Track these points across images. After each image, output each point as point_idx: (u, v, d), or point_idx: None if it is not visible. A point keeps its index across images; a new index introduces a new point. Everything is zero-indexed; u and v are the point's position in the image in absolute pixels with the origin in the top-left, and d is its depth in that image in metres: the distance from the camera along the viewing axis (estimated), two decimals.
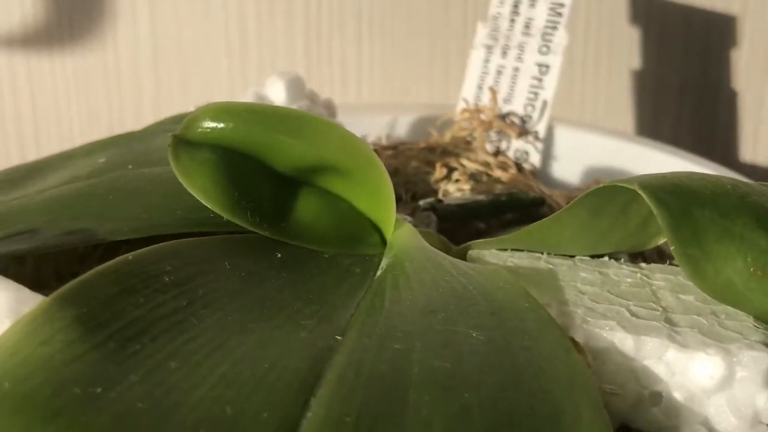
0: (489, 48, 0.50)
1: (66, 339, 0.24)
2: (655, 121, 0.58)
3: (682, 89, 0.54)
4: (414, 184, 0.46)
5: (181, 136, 0.32)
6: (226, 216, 0.31)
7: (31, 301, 0.26)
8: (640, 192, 0.29)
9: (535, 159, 0.50)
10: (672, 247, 0.28)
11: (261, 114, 0.32)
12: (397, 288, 0.30)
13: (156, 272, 0.28)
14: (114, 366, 0.24)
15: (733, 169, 0.47)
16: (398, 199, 0.34)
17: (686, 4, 0.52)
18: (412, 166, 0.47)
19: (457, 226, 0.42)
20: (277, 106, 0.35)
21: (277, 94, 0.42)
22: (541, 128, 0.50)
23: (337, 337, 0.27)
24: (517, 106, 0.50)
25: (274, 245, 0.32)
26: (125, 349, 0.25)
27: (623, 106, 0.56)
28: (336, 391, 0.24)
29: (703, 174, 0.31)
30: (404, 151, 0.48)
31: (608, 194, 0.31)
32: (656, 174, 0.30)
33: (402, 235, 0.34)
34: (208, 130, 0.32)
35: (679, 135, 0.58)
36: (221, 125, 0.32)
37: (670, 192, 0.29)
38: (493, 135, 0.50)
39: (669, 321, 0.29)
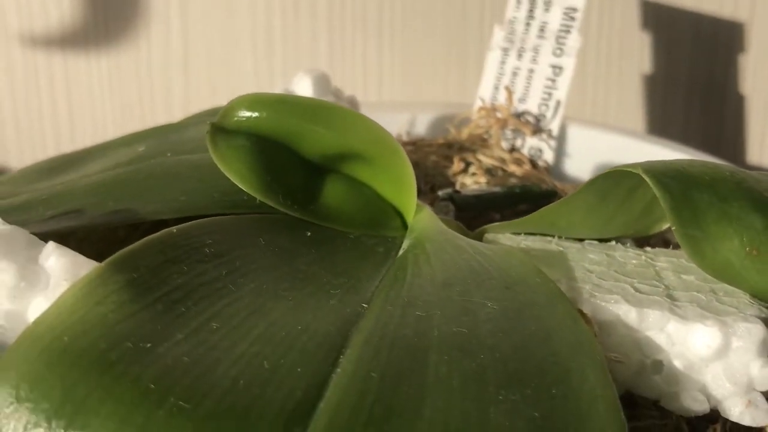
0: (505, 50, 0.53)
1: (119, 300, 0.26)
2: (665, 121, 0.60)
3: (690, 91, 0.56)
4: (433, 177, 0.48)
5: (218, 124, 0.34)
6: (259, 198, 0.34)
7: (86, 266, 0.28)
8: (644, 176, 0.31)
9: (548, 156, 0.52)
10: (673, 228, 0.30)
11: (292, 104, 0.35)
12: (418, 264, 0.32)
13: (198, 244, 0.30)
14: (162, 325, 0.26)
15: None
16: (418, 191, 0.36)
17: (695, 10, 0.55)
18: (431, 160, 0.49)
19: (474, 216, 0.44)
20: (307, 97, 0.37)
21: (304, 90, 0.45)
22: (554, 127, 0.52)
23: (363, 305, 0.29)
24: (532, 106, 0.52)
25: (304, 225, 0.34)
26: (171, 311, 0.27)
27: (634, 107, 0.58)
28: (363, 351, 0.27)
29: (704, 161, 0.33)
30: (423, 146, 0.51)
31: (615, 179, 0.34)
32: (660, 161, 0.33)
33: (422, 219, 0.36)
34: (243, 118, 0.34)
35: (687, 135, 0.60)
36: (255, 114, 0.34)
37: (672, 177, 0.31)
38: (508, 133, 0.52)
39: (670, 297, 0.31)
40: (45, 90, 0.60)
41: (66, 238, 0.39)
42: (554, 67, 0.52)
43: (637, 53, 0.58)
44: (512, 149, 0.52)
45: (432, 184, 0.47)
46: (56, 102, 0.60)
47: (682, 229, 0.30)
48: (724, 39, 0.56)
